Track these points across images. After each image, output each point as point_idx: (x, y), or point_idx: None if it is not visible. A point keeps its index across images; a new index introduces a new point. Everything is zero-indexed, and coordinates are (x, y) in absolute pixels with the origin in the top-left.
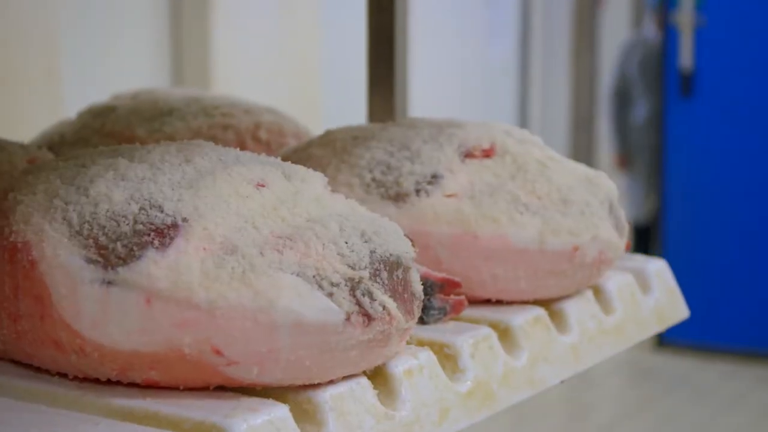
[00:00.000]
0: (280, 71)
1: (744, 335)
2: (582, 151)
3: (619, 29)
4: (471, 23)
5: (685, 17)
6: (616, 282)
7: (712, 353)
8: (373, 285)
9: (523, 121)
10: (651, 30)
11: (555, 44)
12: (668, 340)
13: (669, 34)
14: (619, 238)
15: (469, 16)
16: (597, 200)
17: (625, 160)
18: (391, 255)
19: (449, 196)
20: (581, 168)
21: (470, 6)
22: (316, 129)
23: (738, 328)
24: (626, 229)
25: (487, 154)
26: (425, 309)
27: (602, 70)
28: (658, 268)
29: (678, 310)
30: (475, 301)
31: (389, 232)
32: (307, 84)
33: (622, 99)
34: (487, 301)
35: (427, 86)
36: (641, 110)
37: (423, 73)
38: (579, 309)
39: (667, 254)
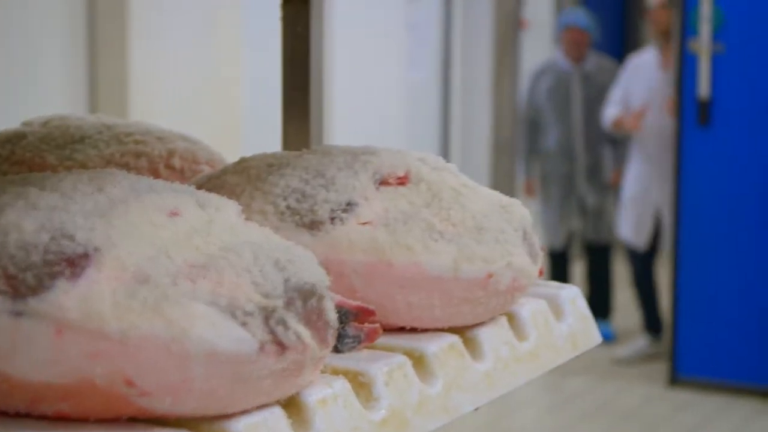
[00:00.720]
0: (200, 98)
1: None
2: (503, 174)
3: (541, 52)
4: (392, 49)
5: (703, 45)
6: (529, 308)
7: (729, 390)
8: (287, 314)
9: (445, 146)
10: (560, 55)
11: (476, 69)
12: (682, 377)
13: (686, 61)
14: (532, 265)
15: (390, 42)
16: (511, 227)
17: (533, 187)
18: (305, 283)
19: (364, 224)
20: (495, 195)
21: (392, 31)
22: (237, 156)
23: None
24: (540, 255)
25: (402, 181)
26: (340, 337)
27: (523, 95)
28: (571, 294)
29: (591, 336)
30: (390, 329)
31: (303, 261)
32: (228, 111)
33: (533, 126)
34: (402, 329)
35: (349, 112)
36: (552, 137)
37: (345, 98)
38: (493, 336)
39: (681, 285)
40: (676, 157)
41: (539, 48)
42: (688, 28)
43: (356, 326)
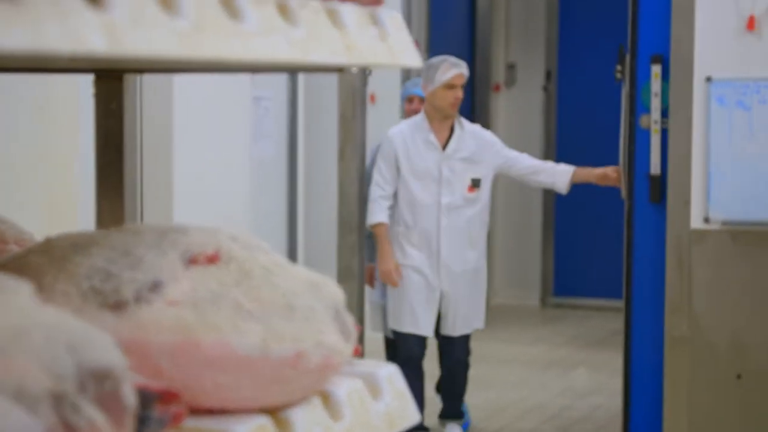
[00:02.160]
0: (33, 177)
1: None
2: (349, 250)
3: (389, 127)
4: (237, 123)
5: (655, 121)
6: (345, 387)
7: None
8: (78, 398)
9: (292, 221)
10: None
11: (322, 143)
12: None
13: (638, 137)
14: (344, 343)
15: (235, 116)
16: (322, 306)
17: (372, 274)
18: (99, 366)
19: (171, 303)
20: (307, 274)
21: (237, 108)
22: None
23: None
24: (354, 334)
25: (212, 260)
26: (144, 420)
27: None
28: (388, 373)
29: (408, 415)
30: (198, 410)
31: (99, 343)
32: (63, 189)
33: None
34: (212, 410)
35: (193, 187)
36: None
37: (187, 174)
38: (305, 416)
39: (634, 363)
40: (629, 230)
41: (387, 122)
42: (639, 105)
43: (161, 409)
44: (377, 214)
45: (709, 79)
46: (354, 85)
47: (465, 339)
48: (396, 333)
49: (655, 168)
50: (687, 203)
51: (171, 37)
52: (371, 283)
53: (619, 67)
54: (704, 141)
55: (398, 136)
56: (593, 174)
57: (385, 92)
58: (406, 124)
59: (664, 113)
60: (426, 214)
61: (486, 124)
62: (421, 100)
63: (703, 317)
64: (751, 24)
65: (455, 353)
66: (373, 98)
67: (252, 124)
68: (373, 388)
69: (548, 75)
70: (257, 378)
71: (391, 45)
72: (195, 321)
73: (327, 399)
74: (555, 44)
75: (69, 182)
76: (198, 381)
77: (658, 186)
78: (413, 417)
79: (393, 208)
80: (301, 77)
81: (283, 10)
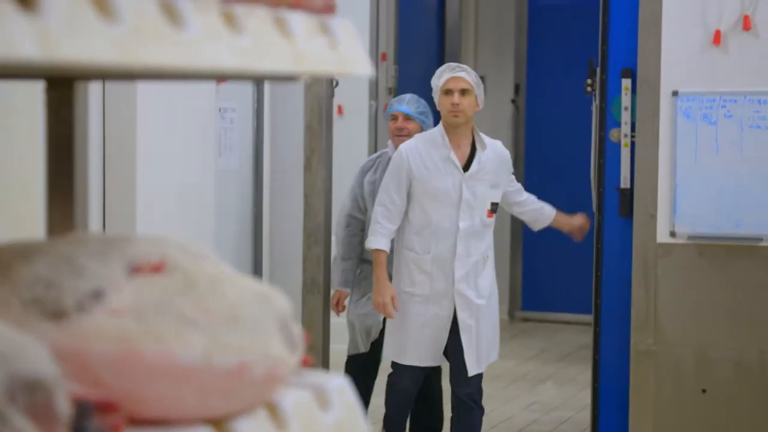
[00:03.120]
0: None
1: None
2: (314, 263)
3: (357, 139)
4: (203, 135)
5: (625, 135)
6: (292, 399)
7: None
8: (8, 408)
9: (257, 235)
10: (391, 146)
11: (287, 155)
12: None
13: (608, 151)
14: (290, 354)
15: (201, 129)
16: (268, 317)
17: (342, 300)
18: (30, 376)
19: (113, 312)
20: (254, 284)
21: (202, 118)
22: None
23: None
24: (300, 345)
25: (157, 269)
26: (80, 431)
27: (336, 184)
28: (338, 384)
29: (358, 427)
30: (141, 421)
31: (31, 352)
32: (25, 197)
33: (352, 226)
34: (154, 421)
35: (157, 198)
36: None
37: (152, 185)
38: (251, 427)
39: (602, 384)
40: (598, 249)
41: (355, 134)
42: (609, 118)
43: (98, 419)
44: (379, 239)
45: (675, 93)
46: (320, 97)
47: (477, 377)
48: (394, 363)
49: (624, 181)
50: (653, 217)
51: (108, 43)
52: (337, 310)
53: (589, 81)
54: (671, 155)
55: (413, 153)
56: (566, 224)
57: (353, 104)
58: (420, 140)
59: (634, 127)
60: (442, 239)
61: None
62: (406, 117)
63: (668, 331)
64: (717, 39)
65: (469, 387)
66: (340, 110)
67: (217, 134)
68: (322, 399)
69: (517, 88)
70: (201, 389)
71: (342, 53)
72: (137, 330)
73: (273, 410)
74: (524, 58)
75: (30, 189)
76: (140, 391)
77: (628, 200)
78: (363, 429)
79: (402, 231)
80: (267, 88)
81: (228, 18)
